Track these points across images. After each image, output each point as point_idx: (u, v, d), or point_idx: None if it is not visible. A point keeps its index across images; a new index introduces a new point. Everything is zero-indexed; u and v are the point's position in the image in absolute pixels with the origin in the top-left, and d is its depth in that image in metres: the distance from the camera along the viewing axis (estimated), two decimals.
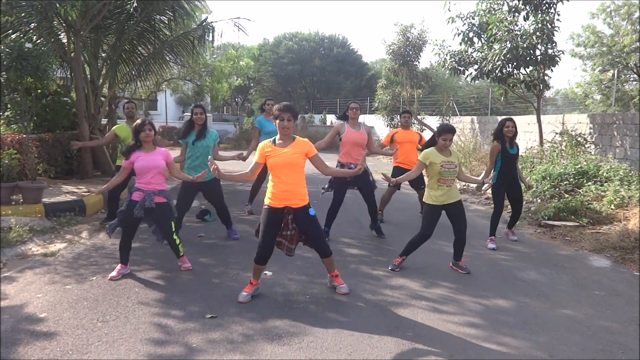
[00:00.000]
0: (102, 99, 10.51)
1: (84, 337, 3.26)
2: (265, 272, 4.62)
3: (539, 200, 7.76)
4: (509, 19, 9.90)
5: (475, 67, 10.82)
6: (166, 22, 10.20)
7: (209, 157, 4.32)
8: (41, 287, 4.16)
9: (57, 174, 8.68)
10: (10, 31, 8.33)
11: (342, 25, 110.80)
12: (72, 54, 9.05)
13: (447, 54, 11.52)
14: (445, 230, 5.33)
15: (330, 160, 4.22)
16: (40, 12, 7.47)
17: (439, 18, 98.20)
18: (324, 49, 38.32)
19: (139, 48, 10.64)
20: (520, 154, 9.99)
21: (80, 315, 3.61)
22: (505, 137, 5.68)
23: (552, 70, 10.19)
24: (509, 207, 6.26)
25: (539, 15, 9.46)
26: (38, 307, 3.75)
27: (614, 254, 5.49)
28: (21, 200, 6.63)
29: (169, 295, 4.07)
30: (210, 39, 10.41)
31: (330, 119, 28.44)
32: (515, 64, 9.87)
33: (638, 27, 19.79)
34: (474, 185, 9.55)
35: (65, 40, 9.42)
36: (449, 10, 10.93)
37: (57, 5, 7.09)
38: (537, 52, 9.76)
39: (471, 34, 10.81)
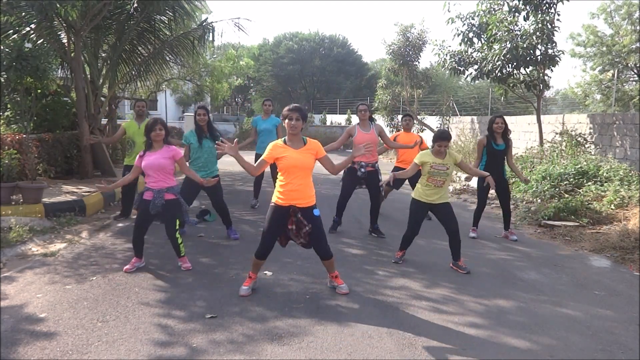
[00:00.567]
0: (102, 99, 10.52)
1: (84, 337, 3.26)
2: (265, 272, 4.62)
3: (539, 200, 7.76)
4: (509, 19, 9.91)
5: (475, 67, 10.82)
6: (166, 22, 10.21)
7: (220, 139, 4.41)
8: (41, 287, 4.16)
9: (57, 174, 8.68)
10: (11, 32, 8.33)
11: (342, 26, 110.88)
12: (72, 54, 9.05)
13: (447, 54, 11.53)
14: (445, 231, 5.33)
15: (334, 160, 4.27)
16: (41, 12, 7.46)
17: (439, 18, 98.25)
18: (324, 49, 38.33)
19: (139, 48, 10.64)
20: (520, 154, 10.01)
21: (80, 315, 3.61)
22: (495, 133, 5.90)
23: (552, 70, 10.20)
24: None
25: (539, 15, 9.46)
26: (38, 307, 3.74)
27: (614, 254, 5.49)
28: (21, 200, 6.63)
29: (169, 295, 4.07)
30: (210, 39, 10.42)
31: (331, 119, 28.43)
32: (515, 64, 9.88)
33: (638, 27, 19.79)
34: (475, 186, 9.55)
35: (65, 40, 9.43)
36: (449, 11, 10.95)
37: (57, 5, 7.09)
38: (537, 52, 9.77)
39: (471, 35, 10.82)
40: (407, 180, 7.02)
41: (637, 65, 19.71)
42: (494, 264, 5.19)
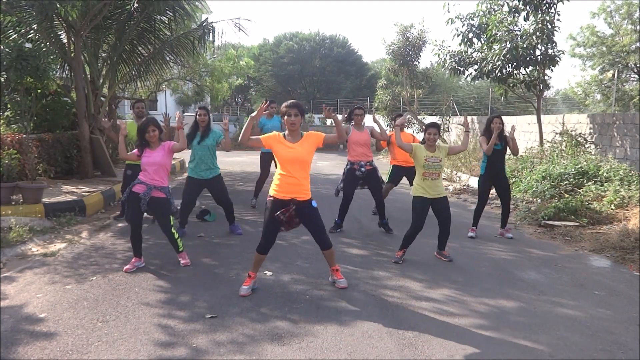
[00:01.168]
0: (102, 99, 10.52)
1: (84, 337, 3.26)
2: (265, 272, 4.62)
3: (539, 200, 7.76)
4: (508, 19, 9.90)
5: (475, 67, 10.82)
6: (166, 22, 10.21)
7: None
8: (41, 287, 4.16)
9: (57, 174, 8.68)
10: (12, 32, 8.34)
11: (342, 26, 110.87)
12: (72, 54, 9.04)
13: (446, 54, 11.53)
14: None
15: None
16: (41, 12, 7.46)
17: (438, 18, 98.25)
18: (324, 49, 38.27)
19: (139, 48, 10.64)
20: (520, 154, 10.00)
21: (80, 315, 3.61)
22: (492, 133, 5.99)
23: (552, 70, 10.20)
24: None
25: (539, 15, 9.46)
26: (38, 307, 3.75)
27: (614, 254, 5.49)
28: (21, 200, 6.63)
29: (170, 295, 4.07)
30: (211, 39, 10.42)
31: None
32: (515, 64, 9.88)
33: (638, 27, 19.79)
34: (474, 186, 9.55)
35: (65, 41, 9.43)
36: (448, 12, 10.95)
37: (57, 5, 7.09)
38: (537, 52, 9.77)
39: (470, 35, 10.82)
40: (405, 177, 7.14)
41: (637, 65, 19.71)
42: (494, 263, 5.19)
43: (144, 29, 10.24)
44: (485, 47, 10.59)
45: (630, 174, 7.68)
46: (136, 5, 9.42)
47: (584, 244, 5.94)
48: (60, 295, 3.99)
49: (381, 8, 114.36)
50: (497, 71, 10.01)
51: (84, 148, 9.15)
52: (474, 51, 11.03)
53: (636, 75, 20.12)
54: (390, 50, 17.26)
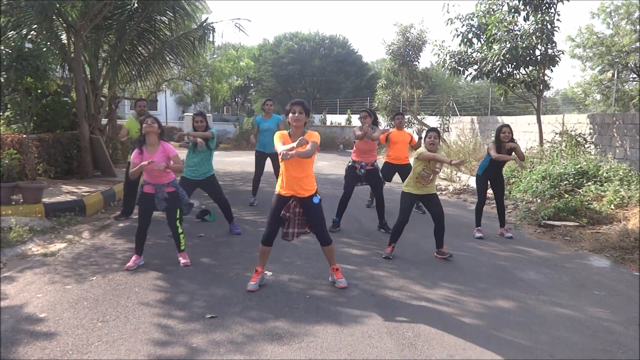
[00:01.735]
0: (102, 99, 10.51)
1: (84, 337, 3.26)
2: (265, 272, 4.62)
3: (539, 200, 7.76)
4: (508, 19, 9.90)
5: (475, 67, 10.82)
6: (166, 22, 10.21)
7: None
8: (41, 287, 4.16)
9: (57, 174, 8.67)
10: (13, 32, 8.33)
11: (342, 26, 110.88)
12: (72, 54, 9.04)
13: (446, 54, 11.52)
14: (445, 231, 5.34)
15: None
16: (41, 13, 7.46)
17: (438, 18, 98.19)
18: (324, 49, 38.27)
19: (139, 48, 10.63)
20: None
21: (80, 315, 3.61)
22: (502, 142, 6.08)
23: (552, 70, 10.20)
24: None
25: (539, 16, 9.46)
26: (38, 307, 3.75)
27: (614, 254, 5.49)
28: (21, 200, 6.63)
29: (169, 295, 4.07)
30: (211, 39, 10.41)
31: (331, 119, 28.41)
32: (514, 64, 9.88)
33: (638, 27, 19.80)
34: (474, 186, 9.56)
35: (65, 41, 9.42)
36: (448, 12, 10.94)
37: (57, 5, 7.09)
38: (537, 52, 9.77)
39: (470, 35, 10.81)
40: (397, 173, 7.41)
41: (637, 65, 19.72)
42: (493, 263, 5.19)
43: (144, 29, 10.23)
44: (485, 47, 10.59)
45: (630, 174, 7.68)
46: (136, 5, 9.41)
47: (583, 244, 5.94)
48: (60, 295, 3.99)
49: (381, 8, 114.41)
50: (497, 71, 10.01)
51: (84, 148, 9.14)
52: (474, 51, 11.03)
53: (636, 76, 20.12)
54: (390, 50, 17.25)
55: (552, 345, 3.32)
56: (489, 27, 9.97)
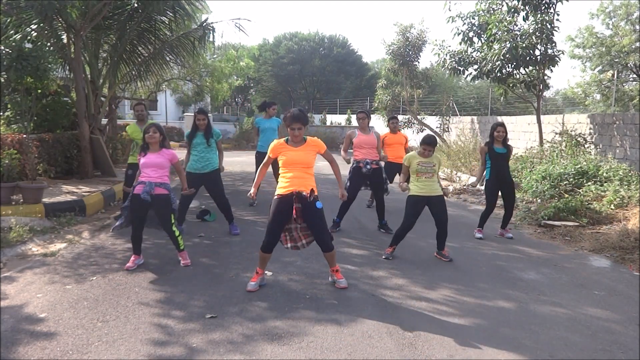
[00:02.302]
0: (102, 99, 10.51)
1: (84, 337, 3.26)
2: (265, 272, 4.62)
3: (539, 200, 7.76)
4: (508, 19, 9.90)
5: (475, 67, 10.82)
6: (166, 22, 10.21)
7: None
8: (41, 287, 4.16)
9: (57, 174, 8.68)
10: (13, 32, 8.33)
11: (342, 26, 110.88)
12: (72, 54, 9.04)
13: (446, 54, 11.53)
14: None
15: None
16: (40, 13, 7.46)
17: (438, 18, 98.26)
18: (324, 49, 38.29)
19: (139, 48, 10.64)
20: (520, 154, 10.02)
21: (80, 315, 3.61)
22: (495, 140, 6.12)
23: (551, 70, 10.20)
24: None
25: (538, 15, 9.46)
26: (38, 307, 3.75)
27: (614, 254, 5.49)
28: (21, 200, 6.63)
29: (169, 295, 4.07)
30: (211, 39, 10.42)
31: (330, 119, 28.42)
32: (514, 63, 9.88)
33: (637, 27, 19.81)
34: (474, 186, 9.57)
35: (65, 41, 9.42)
36: (449, 10, 10.94)
37: (57, 5, 7.09)
38: (537, 52, 9.77)
39: (471, 34, 10.81)
40: (398, 175, 7.34)
41: (637, 65, 19.72)
42: (494, 264, 5.19)
43: (144, 29, 10.24)
44: (485, 46, 10.59)
45: (630, 174, 7.69)
46: (136, 5, 9.42)
47: (583, 244, 5.94)
48: (60, 295, 3.99)
49: (381, 8, 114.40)
50: (496, 71, 10.01)
51: (84, 148, 9.14)
52: (474, 51, 11.03)
53: (635, 76, 20.13)
54: (390, 50, 17.25)
55: (552, 345, 3.32)
56: (490, 27, 9.97)
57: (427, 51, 61.82)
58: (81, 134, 9.09)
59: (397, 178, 7.56)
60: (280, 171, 4.26)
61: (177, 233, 4.79)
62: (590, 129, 10.18)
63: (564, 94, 24.95)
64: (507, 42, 9.61)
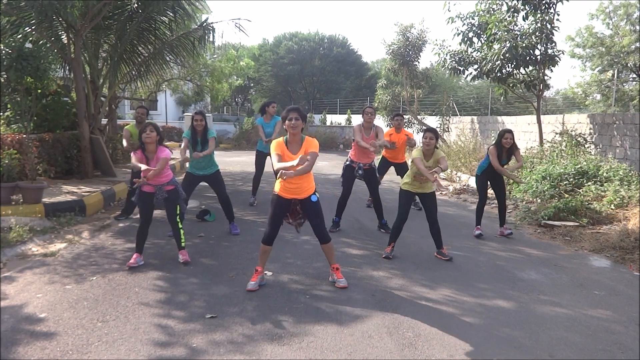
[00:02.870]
0: (102, 99, 10.51)
1: (84, 337, 3.26)
2: (265, 272, 4.62)
3: (539, 200, 7.76)
4: (508, 18, 9.90)
5: (475, 67, 10.81)
6: (166, 22, 10.21)
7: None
8: (41, 287, 4.16)
9: (57, 174, 8.67)
10: (13, 32, 8.33)
11: (342, 25, 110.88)
12: (72, 54, 9.04)
13: (447, 54, 11.52)
14: (445, 231, 5.34)
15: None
16: (40, 13, 7.46)
17: (438, 18, 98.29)
18: (324, 49, 38.26)
19: (139, 48, 10.64)
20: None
21: (80, 315, 3.61)
22: (503, 147, 6.15)
23: (551, 70, 10.19)
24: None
25: (539, 15, 9.46)
26: (38, 307, 3.75)
27: (614, 254, 5.49)
28: (21, 200, 6.63)
29: (169, 295, 4.07)
30: (211, 39, 10.42)
31: (331, 119, 28.41)
32: (514, 63, 9.87)
33: (637, 27, 19.81)
34: (474, 186, 9.57)
35: (65, 41, 9.42)
36: (449, 11, 10.93)
37: (57, 5, 7.08)
38: (537, 52, 9.76)
39: (471, 34, 10.81)
40: (392, 168, 7.84)
41: (637, 65, 19.73)
42: (493, 264, 5.19)
43: (144, 29, 10.23)
44: (485, 46, 10.59)
45: (630, 174, 7.68)
46: (136, 5, 9.41)
47: (583, 244, 5.94)
48: (60, 295, 3.99)
49: (381, 8, 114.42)
50: (496, 71, 10.01)
51: (84, 148, 9.14)
52: (474, 50, 11.02)
53: (635, 76, 20.13)
54: (390, 50, 17.24)
55: (552, 345, 3.32)
56: (489, 27, 9.97)
57: (427, 51, 61.93)
58: (81, 134, 9.09)
59: (388, 176, 7.74)
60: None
61: (180, 226, 4.90)
62: (590, 129, 10.18)
63: (564, 94, 24.94)
64: (507, 42, 9.60)
